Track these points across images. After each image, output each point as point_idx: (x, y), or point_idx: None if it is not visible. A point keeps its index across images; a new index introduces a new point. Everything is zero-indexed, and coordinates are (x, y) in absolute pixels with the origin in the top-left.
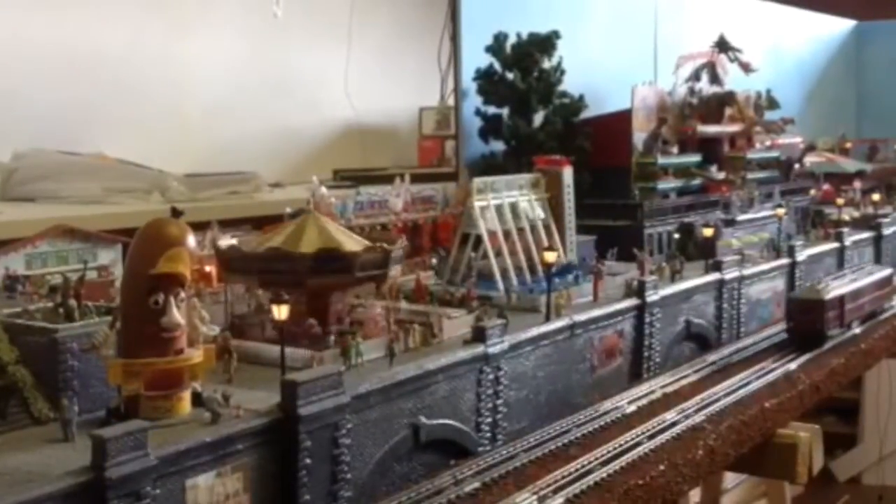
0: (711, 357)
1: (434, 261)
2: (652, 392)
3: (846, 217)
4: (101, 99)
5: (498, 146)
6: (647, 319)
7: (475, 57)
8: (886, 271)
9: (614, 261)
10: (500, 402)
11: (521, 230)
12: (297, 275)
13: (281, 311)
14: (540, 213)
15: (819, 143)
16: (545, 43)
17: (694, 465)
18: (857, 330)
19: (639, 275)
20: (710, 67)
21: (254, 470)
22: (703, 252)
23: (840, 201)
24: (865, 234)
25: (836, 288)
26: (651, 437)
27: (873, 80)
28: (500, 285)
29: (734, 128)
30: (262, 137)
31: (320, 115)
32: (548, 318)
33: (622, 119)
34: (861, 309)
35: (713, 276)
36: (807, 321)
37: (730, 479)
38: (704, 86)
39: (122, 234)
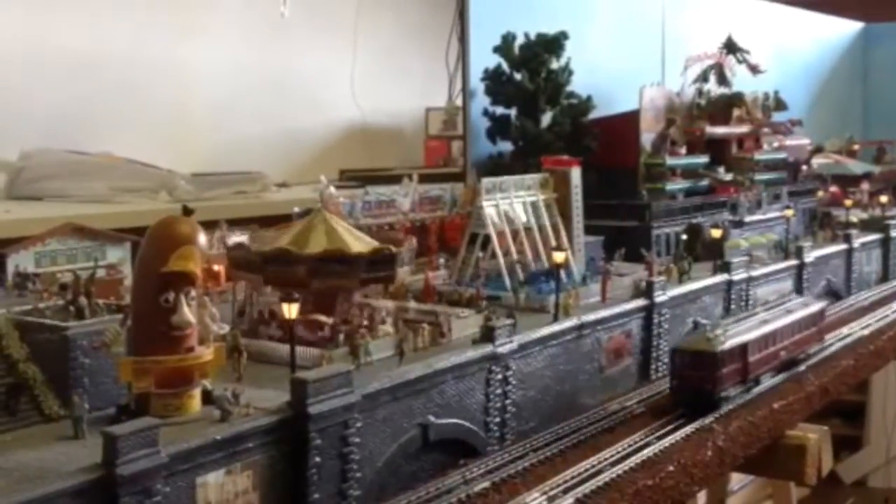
0: None
1: (442, 261)
2: (660, 392)
3: (854, 219)
4: (107, 99)
5: (506, 146)
6: (656, 320)
7: (483, 57)
8: (817, 306)
9: (622, 261)
10: (508, 401)
11: (528, 230)
12: (303, 275)
13: (290, 310)
14: (547, 213)
15: (826, 145)
16: (553, 43)
17: (703, 465)
18: (769, 383)
19: (647, 275)
20: (718, 69)
21: (263, 468)
22: (711, 253)
23: (848, 203)
24: (873, 236)
25: (737, 334)
26: (660, 437)
27: (880, 82)
28: (509, 285)
29: (742, 129)
30: (268, 137)
31: (326, 115)
32: (556, 319)
33: (630, 120)
34: (774, 358)
35: (721, 277)
36: (694, 379)
37: (735, 480)
38: (712, 87)
39: (129, 233)
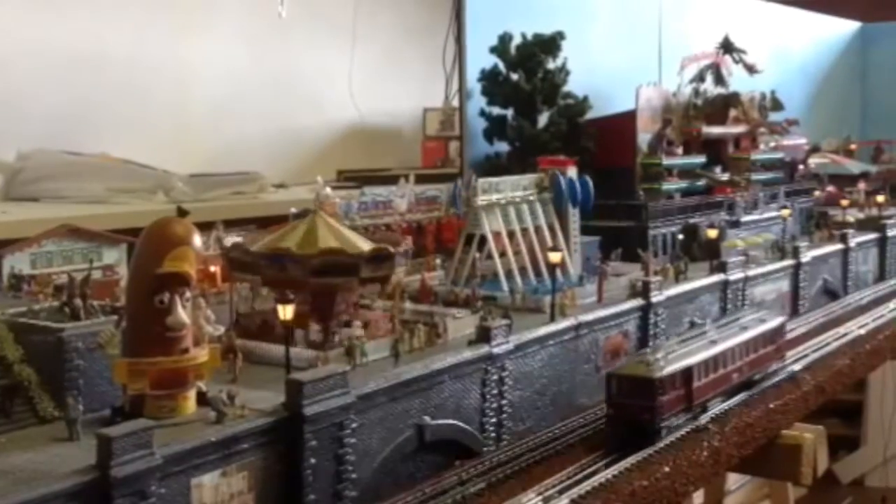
0: None
1: (438, 261)
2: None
3: (851, 218)
4: (105, 100)
5: (502, 147)
6: (652, 320)
7: (480, 58)
8: (776, 321)
9: (619, 261)
10: (504, 402)
11: (525, 231)
12: (301, 275)
13: (286, 311)
14: (544, 213)
15: (823, 145)
16: (550, 44)
17: (698, 466)
18: (717, 410)
19: (643, 275)
20: (715, 69)
21: (259, 469)
22: (708, 253)
23: (845, 202)
24: (870, 236)
25: (681, 357)
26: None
27: (878, 82)
28: (505, 286)
29: (739, 129)
30: (266, 138)
31: (324, 115)
32: (552, 319)
33: (627, 120)
34: (725, 381)
35: (718, 277)
36: (631, 408)
37: (733, 480)
38: (709, 87)
39: (126, 234)
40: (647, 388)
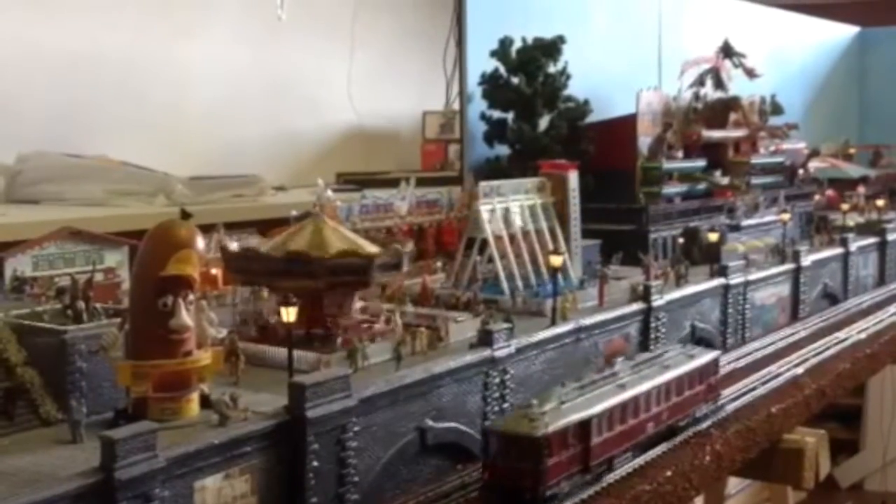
0: None
1: (439, 264)
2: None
3: (850, 222)
4: (104, 102)
5: (502, 150)
6: (653, 324)
7: (480, 61)
8: (707, 356)
9: (619, 265)
10: (506, 405)
11: (526, 234)
12: (313, 277)
13: (289, 314)
14: (544, 217)
15: (823, 149)
16: (550, 48)
17: (701, 470)
18: (622, 470)
19: (644, 279)
20: (715, 73)
21: (261, 472)
22: (708, 257)
23: (844, 206)
24: (870, 240)
25: (577, 407)
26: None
27: (877, 86)
28: (506, 289)
29: (739, 133)
30: (265, 141)
31: (323, 118)
32: (553, 322)
33: (627, 123)
34: (637, 432)
35: (718, 281)
36: (510, 473)
37: (733, 484)
38: (709, 91)
39: (127, 237)
40: (530, 448)
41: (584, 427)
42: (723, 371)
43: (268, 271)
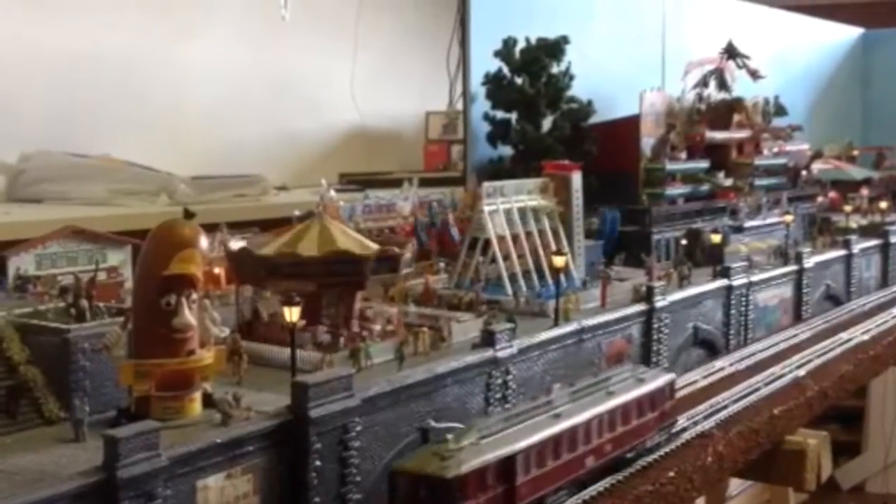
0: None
1: (442, 265)
2: None
3: (853, 224)
4: (107, 101)
5: (506, 151)
6: (656, 325)
7: (484, 61)
8: (659, 380)
9: (622, 266)
10: (508, 406)
11: (529, 234)
12: (312, 277)
13: (292, 313)
14: (547, 218)
15: (826, 150)
16: (554, 48)
17: (703, 471)
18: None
19: (647, 280)
20: (719, 74)
21: (263, 471)
22: (711, 258)
23: (847, 208)
24: (873, 242)
25: (500, 442)
26: (660, 442)
27: (880, 88)
28: (509, 289)
29: (742, 134)
30: (268, 141)
31: (326, 118)
32: (556, 323)
33: (630, 124)
34: (573, 468)
35: (721, 283)
36: None
37: (734, 486)
38: (713, 92)
39: (130, 236)
40: (441, 491)
41: (507, 465)
42: (723, 374)
43: (264, 271)
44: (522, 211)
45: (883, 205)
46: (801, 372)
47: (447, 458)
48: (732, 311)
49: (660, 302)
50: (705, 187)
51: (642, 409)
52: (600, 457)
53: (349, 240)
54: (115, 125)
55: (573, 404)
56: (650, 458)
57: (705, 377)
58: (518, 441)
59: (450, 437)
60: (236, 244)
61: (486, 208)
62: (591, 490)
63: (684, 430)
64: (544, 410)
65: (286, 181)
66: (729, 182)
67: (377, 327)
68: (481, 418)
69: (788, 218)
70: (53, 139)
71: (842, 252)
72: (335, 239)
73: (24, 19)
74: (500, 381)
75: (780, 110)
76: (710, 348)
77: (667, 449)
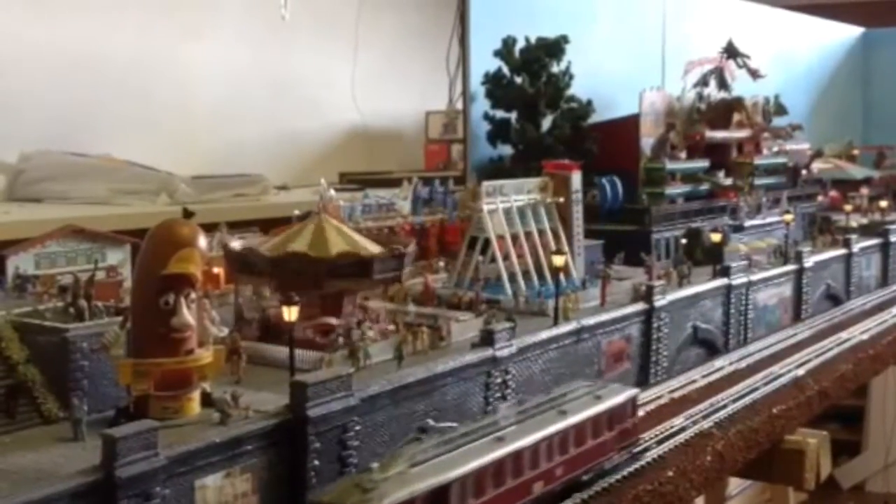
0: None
1: (441, 264)
2: (660, 397)
3: (853, 223)
4: (108, 101)
5: (506, 150)
6: (655, 324)
7: (483, 61)
8: (619, 396)
9: (622, 265)
10: (507, 404)
11: (528, 234)
12: (314, 277)
13: (291, 313)
14: (547, 217)
15: (826, 150)
16: (554, 47)
17: (702, 470)
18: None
19: (646, 279)
20: (719, 73)
21: (262, 471)
22: (711, 257)
23: (847, 207)
24: (873, 241)
25: (432, 470)
26: (659, 442)
27: (880, 87)
28: (508, 289)
29: (742, 133)
30: (268, 140)
31: (326, 118)
32: (556, 323)
33: (630, 124)
34: (521, 494)
35: (721, 282)
36: None
37: (734, 485)
38: (712, 91)
39: (129, 235)
40: None
41: (439, 495)
42: (722, 373)
43: (266, 271)
44: (522, 210)
45: (883, 204)
46: (801, 371)
47: (369, 491)
48: (732, 311)
49: (659, 301)
50: (705, 187)
51: (599, 428)
52: (550, 481)
53: (344, 240)
54: (116, 125)
55: (519, 426)
56: (644, 461)
57: (705, 376)
58: (453, 468)
59: (375, 465)
60: (235, 243)
61: (486, 207)
62: (590, 489)
63: (683, 429)
64: (487, 432)
65: (287, 181)
66: (729, 181)
67: (376, 327)
68: (413, 444)
69: (788, 217)
70: (54, 139)
71: (842, 251)
72: (328, 240)
73: (25, 19)
74: (499, 380)
75: (781, 109)
76: (710, 347)
77: (665, 448)
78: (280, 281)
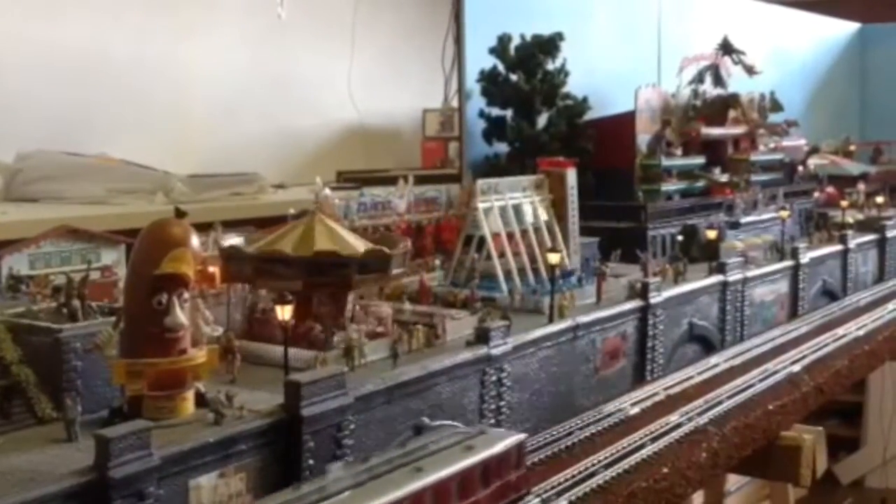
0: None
1: (437, 262)
2: (655, 394)
3: (850, 220)
4: (104, 100)
5: (501, 148)
6: (651, 321)
7: (479, 58)
8: (502, 444)
9: (618, 262)
10: (503, 403)
11: (524, 232)
12: (299, 276)
13: (285, 312)
14: (543, 214)
15: (823, 146)
16: (549, 45)
17: (697, 467)
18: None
19: (642, 276)
20: (714, 70)
21: (257, 470)
22: (707, 254)
23: (844, 204)
24: (869, 237)
25: None
26: (654, 439)
27: (877, 83)
28: (504, 287)
29: (738, 130)
30: (265, 139)
31: (323, 116)
32: (551, 320)
33: (626, 121)
34: None
35: (717, 279)
36: None
37: (733, 481)
38: (708, 88)
39: (125, 235)
40: None
41: None
42: (718, 369)
43: (251, 270)
44: (517, 208)
45: (880, 200)
46: (797, 367)
47: None
48: (728, 307)
49: (655, 298)
50: (701, 183)
51: (469, 486)
52: None
53: (331, 239)
54: (115, 124)
55: (356, 490)
56: (639, 458)
57: (700, 373)
58: None
59: None
60: (229, 242)
61: (481, 205)
62: (584, 486)
63: (679, 425)
64: (313, 501)
65: (284, 179)
66: (725, 178)
67: (369, 326)
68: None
69: (785, 213)
70: (52, 138)
71: (838, 247)
72: (315, 239)
73: (23, 17)
74: (494, 378)
75: (777, 106)
76: (706, 344)
77: (660, 445)
78: (261, 279)
